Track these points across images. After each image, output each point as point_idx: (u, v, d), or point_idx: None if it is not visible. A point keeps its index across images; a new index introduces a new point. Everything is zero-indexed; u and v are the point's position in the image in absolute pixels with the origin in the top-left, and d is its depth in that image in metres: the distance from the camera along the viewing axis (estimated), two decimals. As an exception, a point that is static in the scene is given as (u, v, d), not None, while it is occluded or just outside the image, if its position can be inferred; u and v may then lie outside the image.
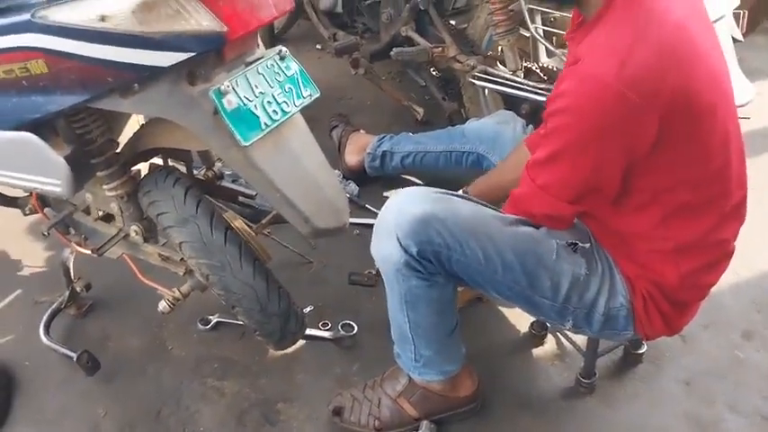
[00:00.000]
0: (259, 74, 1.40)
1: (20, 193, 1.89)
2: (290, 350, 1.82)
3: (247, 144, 1.32)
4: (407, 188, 1.47)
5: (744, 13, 2.40)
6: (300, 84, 1.48)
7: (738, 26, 2.40)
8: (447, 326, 1.53)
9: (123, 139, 1.67)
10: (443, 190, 1.45)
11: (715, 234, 1.33)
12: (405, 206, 1.38)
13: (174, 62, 1.23)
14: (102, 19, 1.20)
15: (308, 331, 1.84)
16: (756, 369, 1.80)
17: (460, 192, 1.76)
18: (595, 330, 1.43)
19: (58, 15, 1.24)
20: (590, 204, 1.33)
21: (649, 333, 1.44)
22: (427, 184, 2.53)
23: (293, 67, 1.48)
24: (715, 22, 2.06)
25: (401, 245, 1.36)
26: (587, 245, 1.41)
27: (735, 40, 2.42)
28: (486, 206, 1.43)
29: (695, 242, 1.32)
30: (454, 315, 1.55)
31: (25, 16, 1.26)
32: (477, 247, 1.36)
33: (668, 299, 1.38)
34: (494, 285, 1.42)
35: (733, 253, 1.41)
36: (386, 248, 1.40)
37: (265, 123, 1.37)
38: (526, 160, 1.39)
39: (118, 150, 1.60)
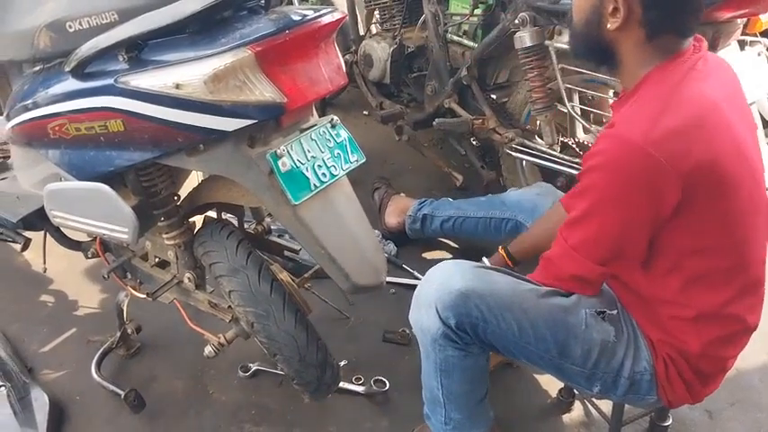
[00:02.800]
0: (312, 140, 1.52)
1: (84, 238, 2.04)
2: (323, 402, 1.90)
3: (297, 203, 1.44)
4: (447, 261, 1.54)
5: (778, 98, 2.48)
6: (349, 150, 1.60)
7: (773, 110, 2.48)
8: (479, 393, 1.59)
9: (183, 192, 1.81)
10: (481, 264, 1.52)
11: (732, 307, 1.38)
12: (446, 280, 1.45)
13: (238, 127, 1.36)
14: (177, 87, 1.34)
15: (342, 385, 1.92)
16: (783, 449, 1.80)
17: (499, 249, 1.92)
18: (620, 395, 1.48)
19: (137, 81, 1.38)
20: (617, 268, 1.40)
21: (672, 399, 1.48)
22: (464, 249, 2.62)
23: (343, 134, 1.60)
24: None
25: (440, 317, 1.43)
26: (614, 311, 1.47)
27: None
28: (522, 279, 1.49)
29: (714, 313, 1.37)
30: (485, 382, 1.61)
31: (109, 81, 1.41)
32: (513, 321, 1.42)
33: (690, 366, 1.42)
34: (526, 355, 1.48)
35: (753, 329, 1.44)
36: (425, 319, 1.47)
37: (315, 185, 1.48)
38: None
39: (178, 203, 1.74)
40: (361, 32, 3.27)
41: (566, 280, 1.44)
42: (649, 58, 1.33)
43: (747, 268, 1.38)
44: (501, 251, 1.96)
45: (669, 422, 1.82)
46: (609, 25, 1.32)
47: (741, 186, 1.31)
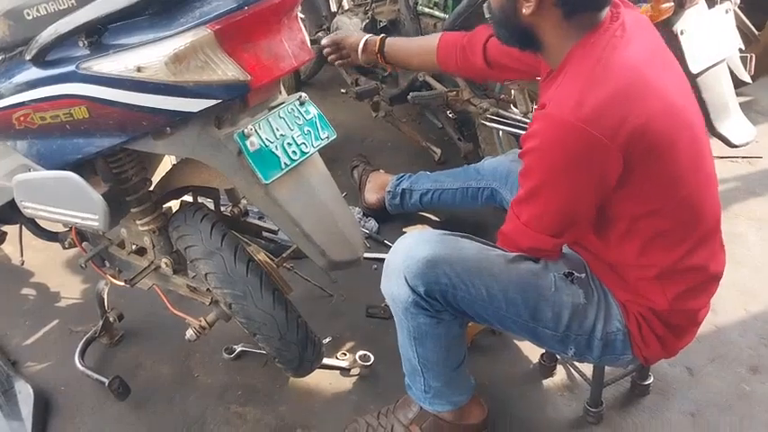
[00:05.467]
0: (280, 118, 1.51)
1: (60, 228, 2.03)
2: (309, 379, 1.90)
3: (268, 182, 1.44)
4: (414, 231, 1.56)
5: (751, 56, 2.48)
6: (319, 126, 1.59)
7: (746, 68, 2.48)
8: (455, 360, 1.60)
9: (156, 178, 1.80)
10: (449, 232, 1.53)
11: (692, 259, 1.40)
12: (413, 249, 1.46)
13: (203, 108, 1.35)
14: (139, 70, 1.32)
15: (327, 361, 1.92)
16: (762, 402, 1.83)
17: (378, 39, 2.09)
18: (596, 356, 1.50)
19: (99, 66, 1.37)
20: (571, 237, 1.43)
21: (647, 356, 1.50)
22: (445, 221, 2.62)
23: (312, 111, 1.59)
24: (717, 65, 2.16)
25: (409, 285, 1.45)
26: (583, 275, 1.49)
27: (743, 82, 2.50)
28: (490, 245, 1.51)
29: (674, 269, 1.40)
30: (462, 349, 1.62)
31: (71, 67, 1.40)
32: (482, 286, 1.44)
33: (662, 322, 1.45)
34: (499, 320, 1.50)
35: (719, 276, 1.48)
36: (395, 288, 1.48)
37: (285, 163, 1.48)
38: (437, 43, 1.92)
39: (151, 188, 1.73)
40: (333, 8, 3.24)
41: (525, 251, 1.47)
42: (570, 35, 1.34)
43: (701, 220, 1.40)
44: (377, 40, 2.07)
45: (650, 381, 1.84)
46: (524, 10, 1.34)
47: (678, 144, 1.33)
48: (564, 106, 1.26)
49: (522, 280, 1.45)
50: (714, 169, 1.45)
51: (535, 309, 1.45)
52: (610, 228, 1.39)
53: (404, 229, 2.59)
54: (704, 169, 1.41)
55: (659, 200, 1.34)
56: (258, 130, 1.45)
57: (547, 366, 1.93)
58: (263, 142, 1.45)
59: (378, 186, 2.64)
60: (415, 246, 1.47)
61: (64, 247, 2.05)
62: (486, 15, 2.22)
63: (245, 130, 1.42)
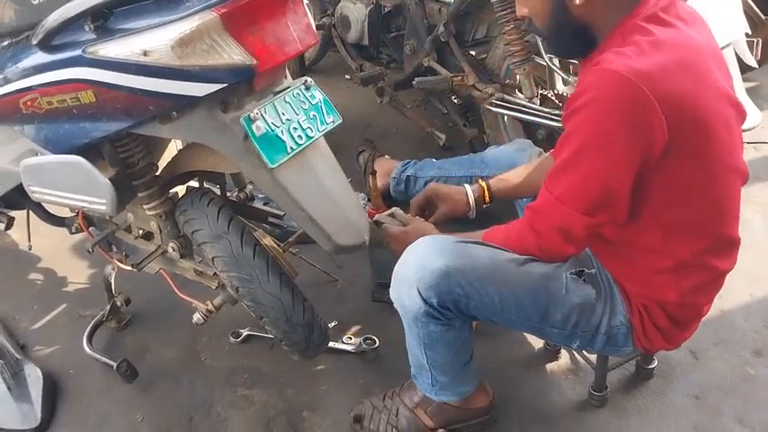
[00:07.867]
0: (286, 102, 1.51)
1: (67, 213, 2.04)
2: (315, 362, 1.93)
3: (274, 166, 1.44)
4: (425, 237, 1.51)
5: (758, 41, 2.47)
6: (324, 111, 1.59)
7: (753, 53, 2.47)
8: (463, 359, 1.61)
9: (163, 163, 1.80)
10: (461, 238, 1.50)
11: (708, 257, 1.40)
12: (425, 259, 1.44)
13: (209, 92, 1.35)
14: (145, 54, 1.32)
15: (333, 345, 1.94)
16: (766, 385, 1.83)
17: (480, 181, 1.89)
18: (598, 348, 1.51)
19: (105, 51, 1.37)
20: (602, 218, 1.34)
21: (648, 348, 1.51)
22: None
23: (317, 95, 1.59)
24: (723, 49, 2.15)
25: (422, 297, 1.43)
26: (593, 270, 1.48)
27: (749, 67, 2.49)
28: (501, 250, 1.47)
29: (691, 262, 1.39)
30: (470, 348, 1.63)
31: (77, 52, 1.40)
32: (494, 293, 1.43)
33: (666, 315, 1.45)
34: (508, 323, 1.50)
35: (726, 273, 1.48)
36: (406, 299, 1.47)
37: (291, 147, 1.48)
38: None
39: (157, 173, 1.74)
40: (338, -7, 3.23)
41: (550, 233, 1.40)
42: (618, 10, 1.32)
43: (723, 224, 1.40)
44: (482, 184, 1.88)
45: (654, 364, 1.85)
46: (577, 1, 1.31)
47: (720, 134, 1.30)
48: (618, 62, 1.23)
49: (534, 285, 1.43)
50: (741, 182, 1.43)
51: (545, 312, 1.45)
52: (639, 209, 1.34)
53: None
54: (736, 174, 1.39)
55: (691, 190, 1.32)
56: (264, 115, 1.45)
57: (551, 350, 1.94)
58: (269, 126, 1.45)
59: (383, 172, 2.63)
60: (427, 256, 1.44)
61: (71, 232, 2.06)
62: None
63: (251, 114, 1.42)
